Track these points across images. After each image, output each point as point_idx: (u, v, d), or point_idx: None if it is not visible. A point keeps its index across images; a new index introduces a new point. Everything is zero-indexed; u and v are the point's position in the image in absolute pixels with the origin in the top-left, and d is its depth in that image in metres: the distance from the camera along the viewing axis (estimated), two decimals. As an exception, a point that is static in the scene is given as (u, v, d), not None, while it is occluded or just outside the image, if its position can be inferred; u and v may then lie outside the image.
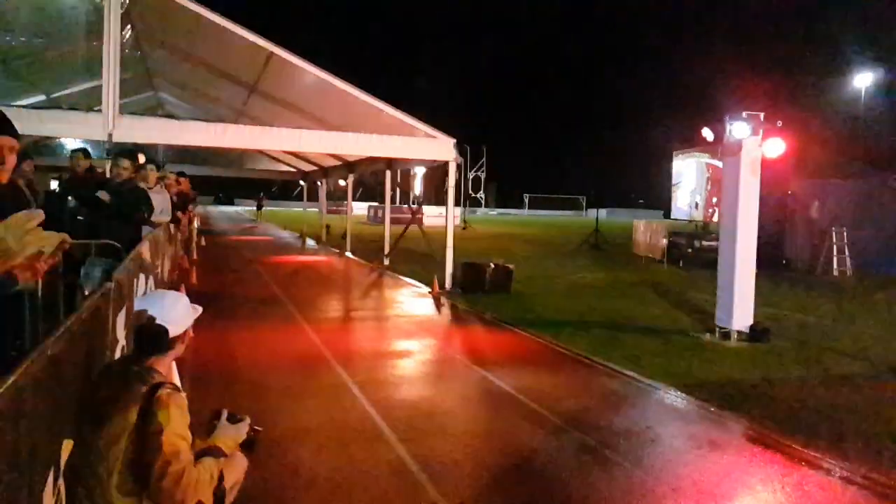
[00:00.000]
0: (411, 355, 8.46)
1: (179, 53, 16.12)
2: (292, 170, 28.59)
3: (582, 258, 22.66)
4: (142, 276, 4.95)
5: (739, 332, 9.51)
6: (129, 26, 11.83)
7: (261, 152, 25.19)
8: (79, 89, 16.33)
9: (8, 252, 1.58)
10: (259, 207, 51.22)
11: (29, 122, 10.00)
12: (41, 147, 16.92)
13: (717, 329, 9.76)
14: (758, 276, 9.81)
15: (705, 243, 19.60)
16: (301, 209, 37.94)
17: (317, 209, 32.50)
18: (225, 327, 9.31)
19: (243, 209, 64.71)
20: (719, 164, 15.11)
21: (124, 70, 12.25)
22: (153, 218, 7.59)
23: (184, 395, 2.63)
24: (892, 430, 5.94)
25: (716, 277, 10.06)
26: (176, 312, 2.79)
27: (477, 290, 13.19)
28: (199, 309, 2.97)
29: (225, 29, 11.63)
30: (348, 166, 21.34)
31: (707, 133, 9.92)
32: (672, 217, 26.04)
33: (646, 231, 23.73)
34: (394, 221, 20.48)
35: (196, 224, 18.32)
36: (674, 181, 25.81)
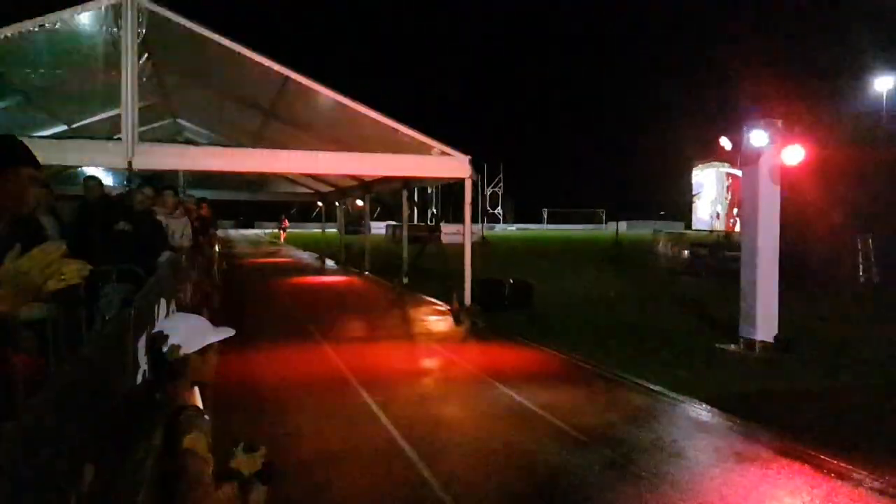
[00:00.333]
0: (432, 373, 8.44)
1: (197, 80, 16.37)
2: (310, 191, 28.81)
3: (602, 271, 22.52)
4: (162, 301, 4.99)
5: (764, 343, 9.36)
6: (146, 55, 12.03)
7: (279, 175, 25.42)
8: (99, 118, 16.61)
9: (32, 285, 1.60)
10: (281, 230, 48.47)
11: (51, 152, 10.19)
12: (63, 176, 17.21)
13: (742, 340, 9.62)
14: (781, 285, 9.67)
15: (727, 253, 19.41)
16: (320, 230, 38.16)
17: (335, 230, 32.68)
18: (247, 349, 9.34)
19: (263, 232, 65.23)
20: (739, 173, 15.01)
21: (143, 98, 12.46)
22: (174, 243, 7.67)
23: (207, 418, 2.64)
24: (925, 440, 5.80)
25: (739, 288, 9.93)
26: (193, 335, 2.80)
27: (497, 306, 13.14)
28: (231, 331, 2.97)
29: (240, 54, 11.80)
30: (365, 186, 21.46)
31: (725, 142, 9.84)
32: (693, 228, 25.86)
33: (667, 242, 23.56)
34: (412, 240, 20.53)
35: (217, 248, 18.49)
36: (694, 192, 25.66)
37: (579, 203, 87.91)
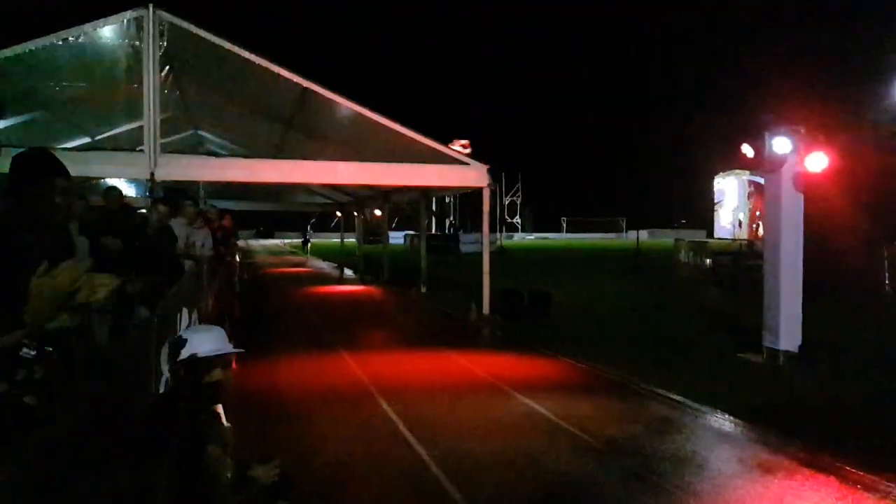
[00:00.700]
0: (450, 383, 8.41)
1: (217, 91, 16.57)
2: (329, 201, 28.96)
3: (623, 280, 22.37)
4: (185, 311, 5.03)
5: (788, 353, 9.22)
6: (167, 67, 12.22)
7: (299, 185, 25.60)
8: (122, 130, 16.87)
9: (60, 299, 1.62)
10: (305, 242, 43.37)
11: (75, 163, 10.24)
12: (86, 188, 17.48)
13: (765, 350, 9.48)
14: (805, 294, 9.53)
15: (750, 262, 19.19)
16: (338, 240, 38.33)
17: (354, 239, 32.81)
18: (267, 357, 9.38)
19: (282, 242, 65.59)
20: (761, 180, 14.85)
21: (164, 110, 12.64)
22: (196, 253, 7.74)
23: (228, 425, 2.65)
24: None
25: (762, 297, 9.80)
26: (209, 343, 2.82)
27: (515, 315, 13.09)
28: (242, 350, 3.00)
29: (260, 66, 11.93)
30: (383, 196, 21.54)
31: (747, 149, 9.72)
32: (715, 236, 25.63)
33: (688, 251, 23.35)
34: (430, 250, 20.54)
35: (238, 258, 18.63)
36: (715, 200, 25.46)
37: (599, 212, 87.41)
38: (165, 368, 3.28)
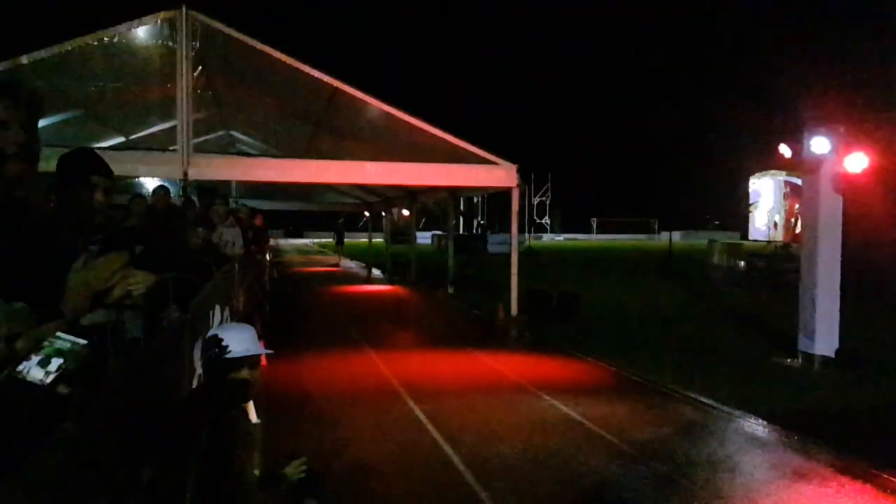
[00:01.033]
0: (478, 384, 8.38)
1: (249, 92, 16.73)
2: (357, 201, 29.08)
3: (654, 282, 22.11)
4: (217, 308, 5.08)
5: (824, 358, 9.02)
6: (200, 67, 12.37)
7: (328, 185, 25.77)
8: (155, 130, 17.13)
9: (93, 293, 1.63)
10: (339, 242, 38.00)
11: (110, 162, 10.47)
12: (120, 187, 17.79)
13: (800, 354, 9.29)
14: (842, 298, 9.31)
15: (786, 265, 18.82)
16: (366, 240, 38.50)
17: (382, 239, 32.92)
18: (296, 356, 9.44)
19: (311, 241, 66.08)
20: (798, 181, 14.56)
21: (197, 110, 12.79)
22: (227, 251, 7.81)
23: (257, 421, 2.66)
24: None
25: (797, 300, 9.60)
26: (241, 342, 2.84)
27: (544, 317, 13.01)
28: (271, 352, 3.03)
29: (291, 66, 12.01)
30: (411, 196, 21.56)
31: (784, 149, 9.52)
32: (749, 238, 25.18)
33: (722, 253, 22.98)
34: (458, 250, 20.52)
35: (268, 256, 18.81)
36: (750, 201, 25.02)
37: (630, 213, 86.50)
38: (199, 365, 3.31)
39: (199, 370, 3.32)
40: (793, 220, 21.11)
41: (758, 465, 5.53)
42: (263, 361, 2.98)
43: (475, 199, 65.74)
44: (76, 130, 15.10)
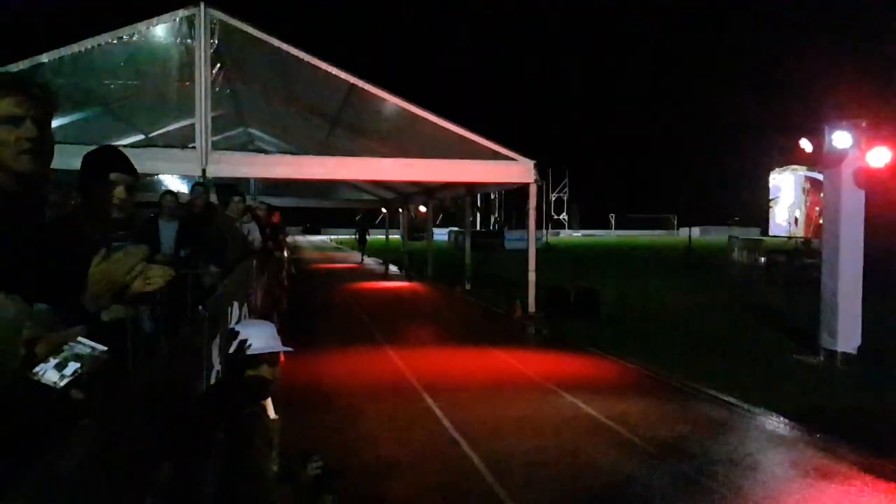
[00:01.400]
0: (495, 380, 8.35)
1: (266, 89, 16.83)
2: (374, 198, 29.17)
3: (674, 278, 21.94)
4: (235, 305, 5.10)
5: (847, 355, 8.89)
6: (218, 65, 12.45)
7: (345, 182, 25.86)
8: (174, 127, 17.28)
9: (116, 287, 1.63)
10: (362, 240, 32.72)
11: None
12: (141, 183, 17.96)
13: (822, 351, 9.17)
14: (866, 295, 9.17)
15: (807, 261, 18.59)
16: (383, 236, 38.60)
17: (399, 236, 32.94)
18: (313, 351, 9.48)
19: (328, 238, 66.31)
20: (819, 176, 14.36)
21: (215, 107, 12.87)
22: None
23: (275, 417, 2.67)
24: None
25: (819, 297, 9.47)
26: (261, 339, 2.85)
27: (562, 313, 12.95)
28: (291, 349, 3.04)
29: (309, 63, 12.06)
30: (428, 192, 21.57)
31: (805, 144, 9.41)
32: (770, 234, 24.91)
33: (742, 249, 22.75)
34: (475, 247, 20.48)
35: (286, 253, 18.91)
36: (770, 196, 24.75)
37: (649, 208, 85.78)
38: (217, 361, 3.33)
39: (218, 366, 3.33)
40: (817, 212, 20.85)
41: (779, 463, 5.46)
42: (282, 358, 2.99)
43: (492, 196, 65.56)
44: (96, 128, 15.28)
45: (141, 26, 11.16)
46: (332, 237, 66.03)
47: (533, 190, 13.62)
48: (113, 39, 11.12)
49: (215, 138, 12.89)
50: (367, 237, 33.48)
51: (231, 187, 7.65)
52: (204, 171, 11.24)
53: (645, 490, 4.87)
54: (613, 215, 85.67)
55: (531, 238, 13.95)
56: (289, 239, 30.18)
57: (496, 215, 71.64)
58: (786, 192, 23.83)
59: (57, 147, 1.77)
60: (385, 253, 30.25)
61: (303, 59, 11.99)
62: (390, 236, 37.04)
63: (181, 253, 5.39)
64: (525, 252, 14.05)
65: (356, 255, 32.44)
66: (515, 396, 7.66)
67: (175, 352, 2.44)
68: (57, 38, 11.01)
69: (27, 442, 1.21)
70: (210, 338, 3.21)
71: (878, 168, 8.78)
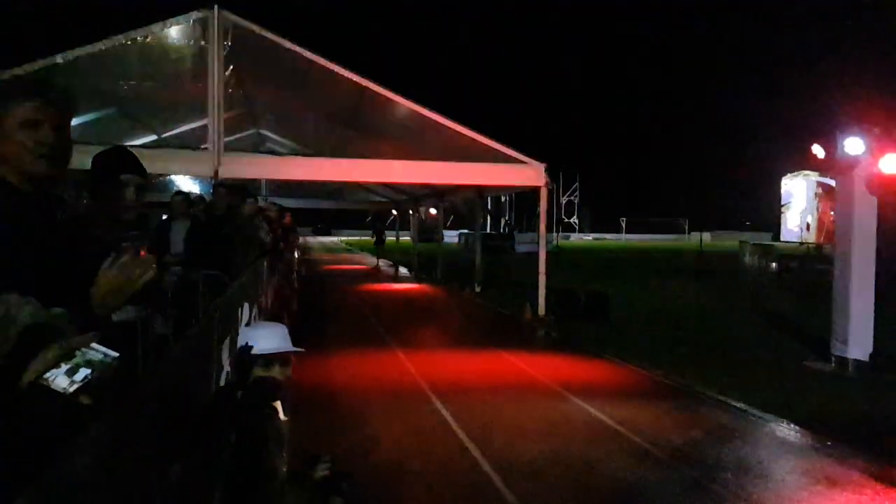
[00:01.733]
0: (505, 384, 8.34)
1: (278, 91, 16.89)
2: (385, 200, 29.19)
3: (684, 283, 21.82)
4: (246, 305, 5.12)
5: (858, 362, 8.82)
6: (231, 67, 12.51)
7: (356, 183, 25.90)
8: (187, 128, 17.37)
9: (126, 290, 1.64)
10: (380, 241, 30.77)
11: (142, 160, 10.68)
12: (151, 184, 18.06)
13: (834, 358, 9.10)
14: (879, 301, 9.09)
15: (819, 266, 18.47)
16: (394, 238, 38.63)
17: (409, 238, 32.94)
18: (323, 353, 9.50)
19: (338, 239, 66.44)
20: (832, 182, 14.26)
21: (228, 109, 12.94)
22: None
23: (285, 418, 2.68)
24: None
25: (831, 303, 9.40)
26: (271, 340, 2.86)
27: (571, 317, 12.91)
28: (302, 350, 3.05)
29: (321, 65, 12.09)
30: (439, 194, 21.58)
31: (817, 150, 9.34)
32: (782, 239, 24.77)
33: (754, 254, 22.62)
34: (485, 249, 20.46)
35: (296, 254, 18.96)
36: (782, 202, 24.61)
37: (660, 212, 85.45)
38: (227, 363, 3.34)
39: (228, 367, 3.35)
40: (831, 216, 20.73)
41: (790, 470, 5.43)
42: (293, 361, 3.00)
43: (503, 199, 65.52)
44: (109, 128, 15.38)
45: (155, 28, 11.24)
46: (343, 238, 66.18)
47: (544, 193, 13.60)
48: (126, 41, 11.21)
49: (227, 140, 12.96)
50: (385, 238, 31.90)
51: (241, 188, 7.66)
52: (216, 172, 11.30)
53: (655, 495, 4.85)
54: (624, 219, 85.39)
55: (542, 241, 13.93)
56: (300, 240, 30.17)
57: (507, 218, 71.62)
58: (798, 198, 23.69)
59: (71, 147, 1.79)
60: (395, 255, 30.24)
61: (315, 62, 12.04)
62: (401, 238, 37.08)
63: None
64: (535, 255, 14.03)
65: (367, 257, 32.33)
66: (524, 400, 7.65)
67: (186, 354, 2.45)
68: (71, 39, 11.12)
69: (35, 447, 1.22)
70: (220, 339, 3.23)
71: (891, 175, 8.72)
